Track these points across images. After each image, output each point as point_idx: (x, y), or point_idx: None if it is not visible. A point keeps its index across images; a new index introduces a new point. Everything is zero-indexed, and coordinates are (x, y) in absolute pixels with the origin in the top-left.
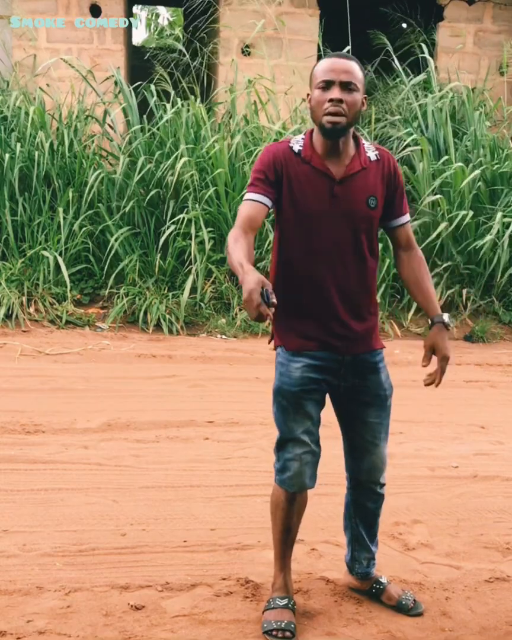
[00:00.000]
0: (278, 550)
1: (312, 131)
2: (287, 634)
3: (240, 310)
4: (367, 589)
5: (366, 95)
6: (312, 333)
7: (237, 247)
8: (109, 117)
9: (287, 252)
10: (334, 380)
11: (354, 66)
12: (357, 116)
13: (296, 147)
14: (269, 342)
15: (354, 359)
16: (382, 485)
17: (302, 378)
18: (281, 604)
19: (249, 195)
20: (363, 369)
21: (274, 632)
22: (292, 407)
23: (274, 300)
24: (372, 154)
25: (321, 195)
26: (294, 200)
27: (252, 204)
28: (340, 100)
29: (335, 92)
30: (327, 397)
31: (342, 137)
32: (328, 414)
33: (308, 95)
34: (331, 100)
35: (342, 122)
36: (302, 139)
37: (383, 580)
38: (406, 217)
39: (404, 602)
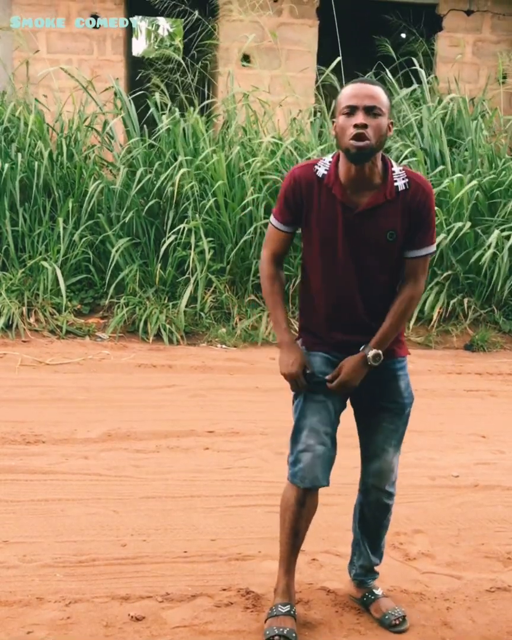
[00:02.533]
0: (284, 553)
1: (339, 155)
2: None
3: (240, 319)
4: (360, 598)
5: (392, 120)
6: (331, 341)
7: (273, 292)
8: (108, 127)
9: (310, 271)
10: None
11: (379, 91)
12: (383, 141)
13: (321, 171)
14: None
15: None
16: (390, 494)
17: (318, 370)
18: (283, 611)
19: (273, 220)
20: (382, 375)
21: (275, 639)
22: (308, 396)
23: (312, 380)
24: (401, 182)
25: (338, 224)
26: (313, 225)
27: (276, 233)
28: (364, 125)
29: (359, 117)
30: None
31: (368, 162)
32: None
33: (334, 122)
34: (355, 125)
35: (367, 146)
36: (330, 162)
37: (377, 591)
38: (424, 251)
39: (387, 617)
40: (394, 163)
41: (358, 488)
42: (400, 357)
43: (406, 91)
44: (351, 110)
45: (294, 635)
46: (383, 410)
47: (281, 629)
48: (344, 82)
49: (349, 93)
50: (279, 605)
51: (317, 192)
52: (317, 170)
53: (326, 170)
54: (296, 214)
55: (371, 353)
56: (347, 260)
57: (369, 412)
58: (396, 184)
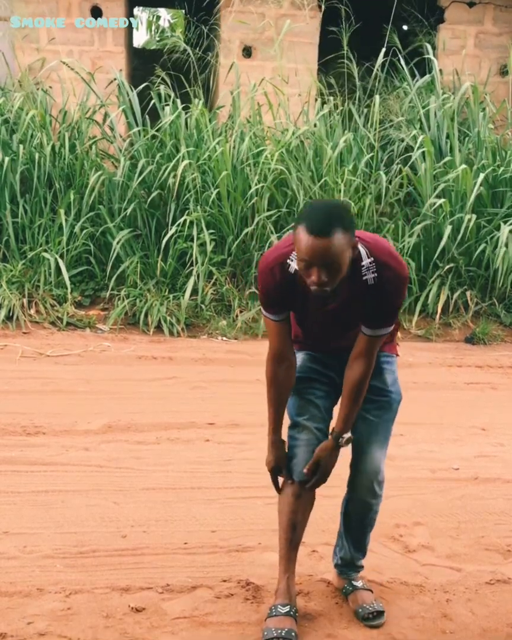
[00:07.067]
0: (283, 550)
1: None
2: None
3: (240, 312)
4: (341, 588)
5: (355, 240)
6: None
7: (269, 396)
8: (109, 119)
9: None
10: (336, 377)
11: (334, 244)
12: (345, 274)
13: (293, 267)
14: None
15: None
16: (375, 494)
17: (303, 366)
18: (283, 611)
19: (267, 314)
20: None
21: None
22: (298, 393)
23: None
24: (370, 276)
25: (314, 311)
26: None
27: (272, 324)
28: (323, 282)
29: (315, 274)
30: None
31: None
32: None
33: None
34: (312, 281)
35: (326, 293)
36: None
37: (356, 583)
38: (382, 331)
39: (360, 610)
40: (365, 254)
41: (347, 483)
42: (386, 352)
43: (420, 82)
44: (307, 265)
45: (293, 634)
46: (368, 402)
47: (280, 631)
48: (353, 74)
49: (305, 245)
50: (279, 606)
51: (290, 283)
52: (289, 265)
53: (296, 266)
54: (282, 301)
55: (346, 437)
56: (323, 329)
57: None
58: (365, 278)
